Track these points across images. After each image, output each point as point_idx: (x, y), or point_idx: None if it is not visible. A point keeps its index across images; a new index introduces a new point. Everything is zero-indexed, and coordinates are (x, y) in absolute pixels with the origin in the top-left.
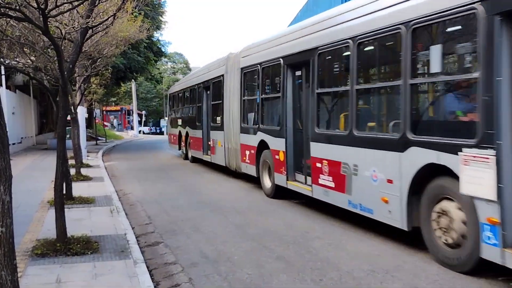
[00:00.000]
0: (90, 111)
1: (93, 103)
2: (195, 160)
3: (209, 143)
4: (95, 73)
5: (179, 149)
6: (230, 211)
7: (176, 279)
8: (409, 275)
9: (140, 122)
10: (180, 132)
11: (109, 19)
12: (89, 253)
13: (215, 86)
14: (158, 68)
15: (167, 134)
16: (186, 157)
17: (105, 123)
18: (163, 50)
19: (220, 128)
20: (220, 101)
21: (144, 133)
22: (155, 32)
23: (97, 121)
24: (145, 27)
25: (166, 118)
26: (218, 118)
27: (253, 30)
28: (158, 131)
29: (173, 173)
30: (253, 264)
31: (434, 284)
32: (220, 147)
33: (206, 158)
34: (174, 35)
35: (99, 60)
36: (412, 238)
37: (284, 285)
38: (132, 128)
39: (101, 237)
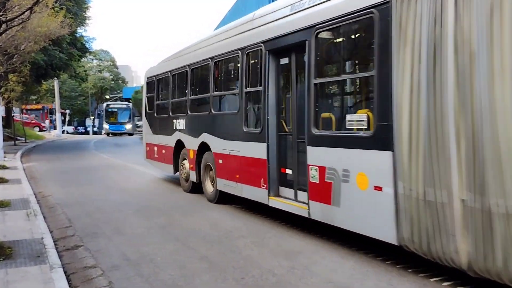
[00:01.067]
0: (8, 110)
1: (11, 101)
2: (226, 198)
3: (297, 175)
4: (11, 70)
5: (176, 171)
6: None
7: (95, 283)
8: (327, 270)
9: (64, 122)
10: (180, 143)
11: (25, 14)
12: (1, 259)
13: (330, 43)
14: (83, 66)
15: (144, 143)
16: (195, 189)
17: (43, 124)
18: (88, 46)
19: (367, 142)
20: (368, 73)
21: (68, 132)
22: (78, 28)
23: (16, 120)
24: (67, 22)
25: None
26: (352, 117)
27: (181, 30)
28: (84, 131)
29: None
30: (176, 265)
31: (349, 278)
32: (368, 190)
33: (286, 205)
34: (99, 32)
35: (15, 56)
36: (328, 235)
37: (206, 285)
38: (55, 128)
39: (16, 242)
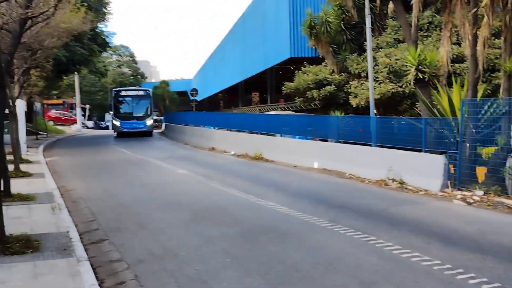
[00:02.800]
0: (30, 105)
1: (33, 96)
2: None
3: None
4: (35, 65)
5: None
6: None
7: (121, 277)
8: (351, 266)
9: (84, 116)
10: None
11: (50, 10)
12: (29, 252)
13: None
14: (103, 61)
15: None
16: None
17: (85, 122)
18: (108, 41)
19: None
20: None
21: (88, 127)
22: (99, 24)
23: (52, 116)
24: (89, 18)
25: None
26: None
27: (200, 25)
28: (103, 125)
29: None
30: (200, 259)
31: (375, 274)
32: None
33: None
34: (119, 27)
35: (39, 51)
36: None
37: (230, 279)
38: (95, 123)
39: (42, 236)
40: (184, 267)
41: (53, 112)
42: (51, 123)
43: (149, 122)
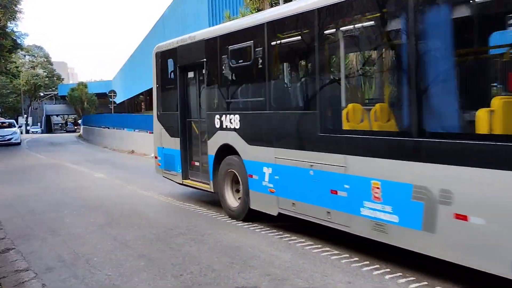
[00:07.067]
0: None
1: None
2: None
3: None
4: None
5: None
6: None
7: (27, 287)
8: (265, 263)
9: None
10: None
11: None
12: None
13: None
14: (15, 62)
15: None
16: None
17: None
18: (19, 42)
19: None
20: None
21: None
22: (9, 23)
23: None
24: None
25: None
26: None
27: (118, 23)
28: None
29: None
30: (113, 264)
31: (287, 271)
32: None
33: None
34: (33, 27)
35: None
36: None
37: (144, 282)
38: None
39: None
40: (96, 273)
41: None
42: None
43: None
